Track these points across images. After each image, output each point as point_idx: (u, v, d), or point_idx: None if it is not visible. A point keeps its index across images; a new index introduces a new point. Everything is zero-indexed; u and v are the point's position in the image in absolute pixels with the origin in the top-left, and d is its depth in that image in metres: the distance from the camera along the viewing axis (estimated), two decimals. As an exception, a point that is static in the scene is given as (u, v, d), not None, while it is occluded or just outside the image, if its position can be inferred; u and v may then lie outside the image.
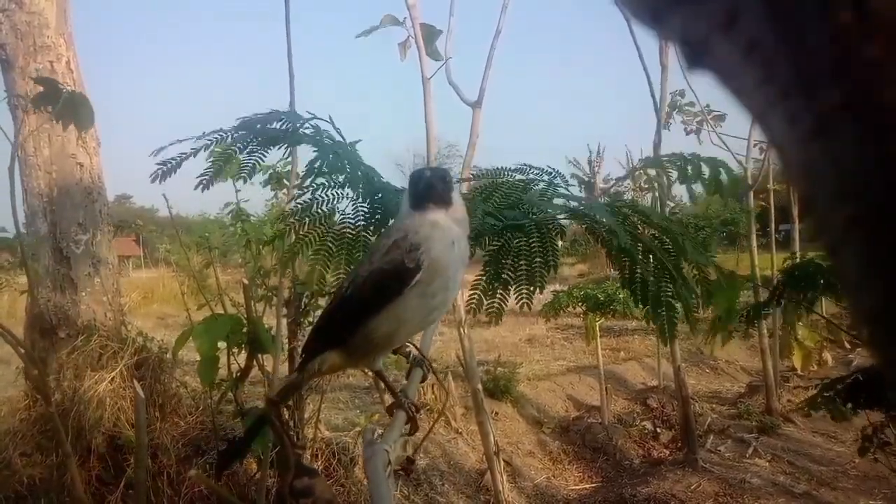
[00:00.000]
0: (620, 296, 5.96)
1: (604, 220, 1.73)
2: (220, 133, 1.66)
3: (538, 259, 1.69)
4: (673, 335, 1.75)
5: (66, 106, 2.42)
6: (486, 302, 1.71)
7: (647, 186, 19.37)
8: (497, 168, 2.05)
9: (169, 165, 1.65)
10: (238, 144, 1.66)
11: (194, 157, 1.65)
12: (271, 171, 3.93)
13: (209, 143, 1.65)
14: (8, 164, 2.39)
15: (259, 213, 4.45)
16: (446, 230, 1.27)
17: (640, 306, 1.78)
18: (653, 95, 5.14)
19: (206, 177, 1.68)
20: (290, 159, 3.16)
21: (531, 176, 1.98)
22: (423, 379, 1.49)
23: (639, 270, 1.72)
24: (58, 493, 3.12)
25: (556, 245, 1.73)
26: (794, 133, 0.26)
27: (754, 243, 6.47)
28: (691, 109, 6.68)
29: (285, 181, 3.79)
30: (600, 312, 6.02)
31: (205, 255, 4.04)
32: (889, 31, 0.21)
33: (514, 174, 1.99)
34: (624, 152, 20.22)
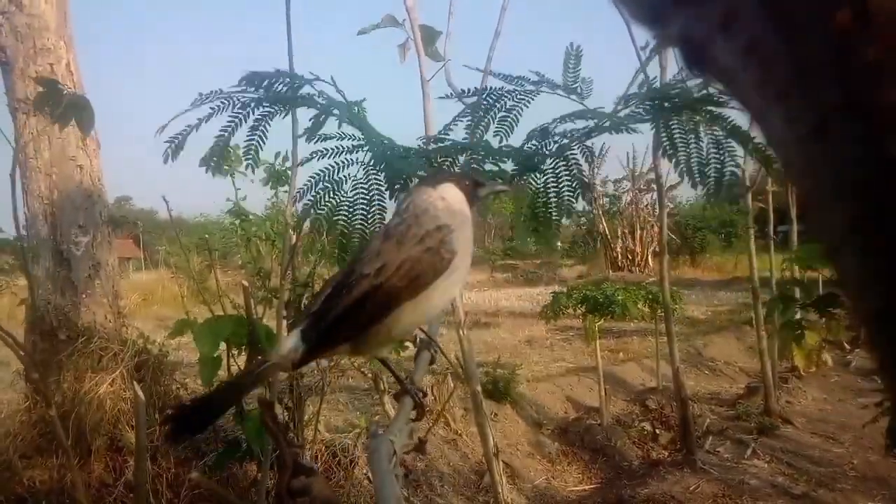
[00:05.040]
0: (619, 297, 5.95)
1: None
2: (223, 98, 1.63)
3: (566, 188, 1.68)
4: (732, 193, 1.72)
5: (67, 108, 2.43)
6: (531, 238, 1.73)
7: (645, 188, 19.39)
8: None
9: (177, 141, 1.63)
10: (240, 116, 1.64)
11: (200, 128, 1.63)
12: (270, 168, 3.91)
13: (213, 110, 1.63)
14: (8, 166, 2.39)
15: (259, 213, 4.44)
16: (470, 220, 1.34)
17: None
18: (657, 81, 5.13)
19: (212, 161, 1.66)
20: (289, 154, 3.14)
21: (543, 88, 1.90)
22: (432, 361, 1.48)
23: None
24: (58, 495, 3.12)
25: (583, 169, 1.73)
26: (793, 133, 0.26)
27: (752, 244, 6.46)
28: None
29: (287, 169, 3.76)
30: (599, 314, 6.01)
31: (204, 256, 4.04)
32: (888, 32, 0.22)
33: (524, 82, 1.90)
34: (624, 152, 20.17)
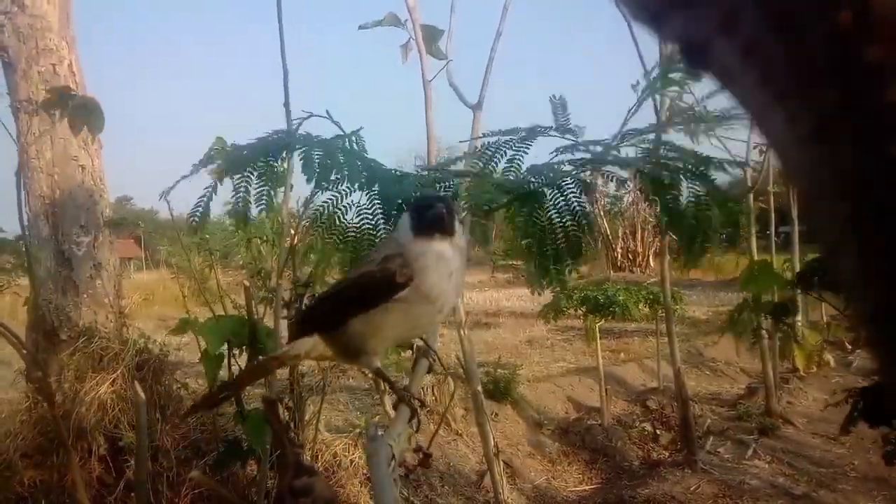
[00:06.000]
0: (620, 297, 5.96)
1: (617, 159, 1.73)
2: (228, 161, 1.69)
3: (570, 222, 1.68)
4: (701, 258, 1.78)
5: (76, 111, 2.43)
6: (545, 279, 1.73)
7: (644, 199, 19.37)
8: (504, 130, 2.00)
9: (200, 210, 1.72)
10: (242, 182, 1.70)
11: (216, 194, 1.71)
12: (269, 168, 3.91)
13: (220, 167, 1.68)
14: (9, 166, 2.40)
15: (258, 213, 4.43)
16: (448, 262, 1.26)
17: (674, 236, 1.78)
18: (652, 96, 5.13)
19: (239, 213, 1.72)
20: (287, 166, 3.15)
21: (538, 133, 1.94)
22: (430, 370, 1.48)
23: (669, 198, 1.72)
24: (59, 494, 3.12)
25: (583, 202, 1.73)
26: (793, 133, 0.26)
27: (754, 245, 6.46)
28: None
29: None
30: (600, 314, 6.01)
31: (206, 256, 4.04)
32: (889, 32, 0.22)
33: (520, 131, 1.95)
34: (624, 153, 20.17)
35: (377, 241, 1.73)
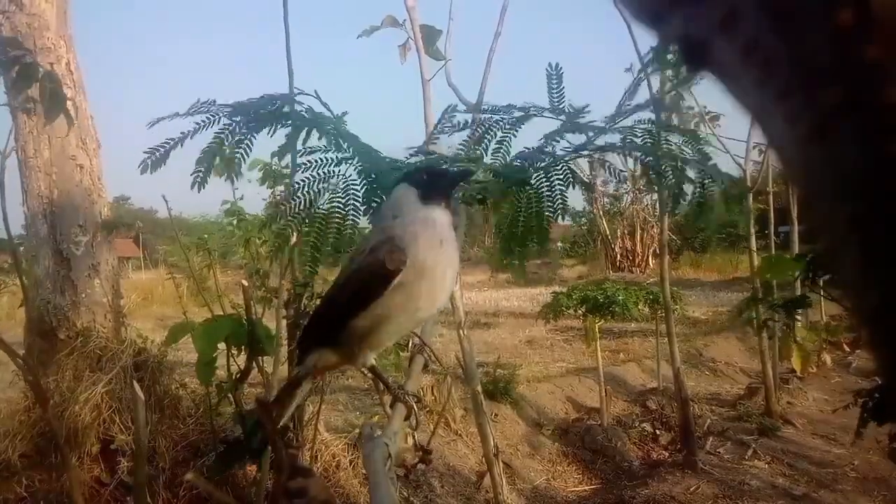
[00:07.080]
0: (620, 297, 5.95)
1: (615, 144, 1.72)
2: (209, 114, 1.62)
3: (547, 203, 1.67)
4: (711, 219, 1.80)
5: (24, 79, 2.37)
6: (506, 260, 1.72)
7: (644, 189, 19.38)
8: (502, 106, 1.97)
9: (157, 154, 1.60)
10: (225, 132, 1.62)
11: (181, 146, 1.62)
12: (267, 167, 3.90)
13: (198, 125, 1.61)
14: (8, 165, 2.39)
15: (257, 212, 4.43)
16: (439, 229, 1.24)
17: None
18: (647, 80, 5.11)
19: (199, 173, 1.64)
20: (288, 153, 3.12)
21: (532, 113, 1.92)
22: (425, 367, 1.48)
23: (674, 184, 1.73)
24: (57, 494, 3.12)
25: (565, 191, 1.71)
26: (793, 133, 0.26)
27: (753, 245, 6.46)
28: (689, 111, 6.65)
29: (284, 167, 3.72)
30: (600, 314, 6.01)
31: (204, 256, 4.04)
32: (889, 31, 0.21)
33: (513, 109, 1.92)
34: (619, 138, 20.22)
35: (343, 230, 1.65)
